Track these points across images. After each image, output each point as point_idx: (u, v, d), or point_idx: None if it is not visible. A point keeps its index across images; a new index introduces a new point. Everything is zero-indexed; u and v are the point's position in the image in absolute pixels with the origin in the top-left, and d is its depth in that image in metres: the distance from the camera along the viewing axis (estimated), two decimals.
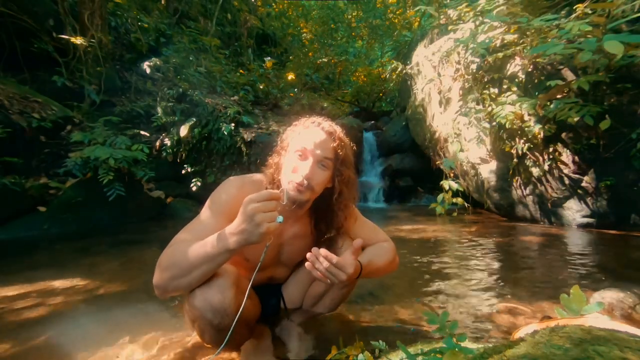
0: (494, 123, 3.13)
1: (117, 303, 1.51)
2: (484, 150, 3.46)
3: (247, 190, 1.01)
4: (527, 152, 3.05)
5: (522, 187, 3.21)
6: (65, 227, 3.26)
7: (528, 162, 3.06)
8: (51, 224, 3.19)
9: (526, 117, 2.95)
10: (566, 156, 2.84)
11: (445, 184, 3.85)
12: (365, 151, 5.90)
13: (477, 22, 3.28)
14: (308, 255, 0.87)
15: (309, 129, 1.00)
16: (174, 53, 5.67)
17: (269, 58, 6.44)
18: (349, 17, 9.40)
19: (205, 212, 0.97)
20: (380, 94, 8.71)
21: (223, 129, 4.45)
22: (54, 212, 3.25)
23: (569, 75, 2.77)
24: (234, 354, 1.01)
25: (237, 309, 0.86)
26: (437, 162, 4.34)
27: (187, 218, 0.98)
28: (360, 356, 0.87)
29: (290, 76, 6.67)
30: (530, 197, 3.17)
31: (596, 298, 1.31)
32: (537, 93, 2.89)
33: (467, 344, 0.77)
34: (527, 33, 2.86)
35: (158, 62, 5.26)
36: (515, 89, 3.08)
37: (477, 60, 3.44)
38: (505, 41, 3.05)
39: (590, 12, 2.43)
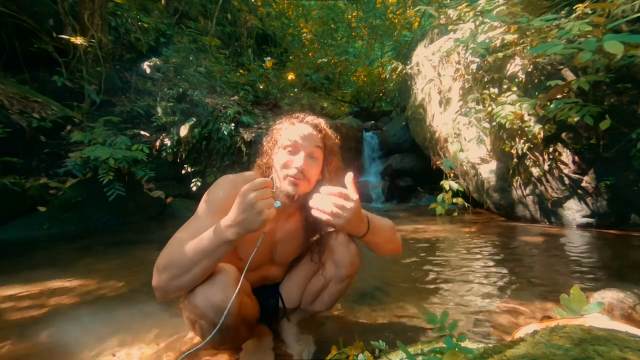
0: (494, 123, 3.13)
1: (117, 303, 1.51)
2: (484, 150, 3.46)
3: (239, 189, 1.01)
4: (527, 152, 3.05)
5: (522, 187, 3.21)
6: (65, 227, 3.26)
7: (528, 162, 3.06)
8: (51, 223, 3.19)
9: (526, 117, 2.95)
10: (566, 156, 2.84)
11: (445, 184, 3.86)
12: (365, 151, 5.90)
13: (477, 22, 3.28)
14: (310, 202, 0.87)
15: (295, 125, 1.02)
16: (174, 53, 5.68)
17: (269, 58, 6.44)
18: (349, 17, 9.40)
19: (200, 212, 0.97)
20: (380, 94, 8.71)
21: (223, 129, 4.45)
22: (54, 212, 3.25)
23: (569, 75, 2.77)
24: (234, 354, 1.01)
25: (238, 307, 0.86)
26: (437, 162, 4.34)
27: (187, 218, 0.98)
28: (360, 356, 0.87)
29: (290, 76, 6.67)
30: (530, 197, 3.17)
31: (596, 298, 1.31)
32: (537, 93, 2.89)
33: (467, 344, 0.77)
34: (527, 33, 2.86)
35: (158, 62, 5.26)
36: (515, 89, 3.08)
37: (477, 60, 3.44)
38: (505, 41, 3.05)
39: (590, 12, 2.43)
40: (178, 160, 4.58)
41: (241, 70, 6.23)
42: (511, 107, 2.91)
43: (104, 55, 4.79)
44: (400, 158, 5.48)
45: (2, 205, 3.04)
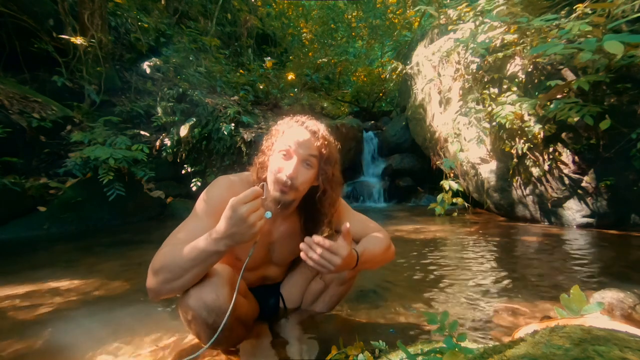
0: (494, 123, 3.13)
1: (117, 303, 1.51)
2: (484, 150, 3.46)
3: (236, 189, 1.01)
4: (527, 152, 3.05)
5: (522, 187, 3.21)
6: (65, 227, 3.26)
7: (528, 162, 3.06)
8: (51, 223, 3.20)
9: (526, 117, 2.95)
10: (566, 156, 2.84)
11: (445, 184, 3.86)
12: (365, 151, 5.90)
13: (477, 22, 3.28)
14: (301, 245, 0.85)
15: (293, 129, 1.00)
16: (174, 53, 5.68)
17: (269, 58, 6.43)
18: (349, 17, 9.40)
19: (198, 212, 0.97)
20: (380, 94, 8.71)
21: (223, 129, 4.45)
22: (54, 212, 3.25)
23: (569, 75, 2.77)
24: (232, 354, 1.01)
25: (233, 307, 0.86)
26: (437, 162, 4.34)
27: (187, 217, 0.98)
28: (360, 356, 0.87)
29: (290, 76, 6.67)
30: (530, 197, 3.17)
31: (596, 298, 1.30)
32: (537, 93, 2.89)
33: (467, 344, 0.77)
34: (527, 33, 2.86)
35: (158, 62, 5.25)
36: (515, 89, 3.08)
37: (477, 60, 3.44)
38: (505, 41, 3.05)
39: (590, 12, 2.43)
40: (178, 160, 4.58)
41: (241, 70, 6.23)
42: (511, 107, 2.91)
43: (104, 55, 4.79)
44: (400, 158, 5.48)
45: (2, 205, 3.04)
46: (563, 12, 2.66)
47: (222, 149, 4.53)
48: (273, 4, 8.93)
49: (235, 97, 5.25)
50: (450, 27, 3.85)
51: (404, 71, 5.07)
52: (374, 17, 8.92)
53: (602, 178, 2.67)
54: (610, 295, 1.29)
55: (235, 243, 0.78)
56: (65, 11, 4.53)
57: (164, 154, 4.48)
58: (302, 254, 0.86)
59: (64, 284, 1.77)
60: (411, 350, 0.82)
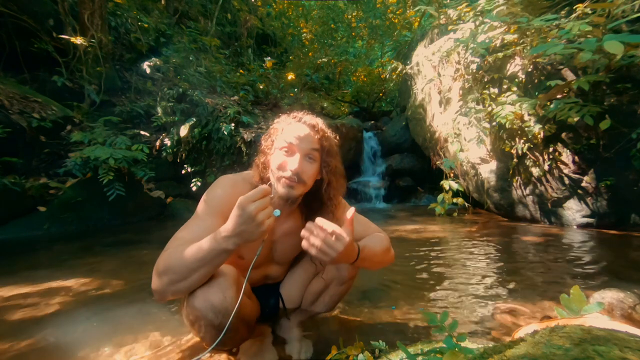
0: (494, 123, 3.13)
1: (117, 303, 1.51)
2: (484, 150, 3.46)
3: (239, 188, 1.01)
4: (527, 152, 3.05)
5: (522, 187, 3.21)
6: (65, 227, 3.26)
7: (528, 162, 3.06)
8: (51, 223, 3.19)
9: (526, 117, 2.95)
10: (566, 156, 2.84)
11: (445, 184, 3.86)
12: (365, 151, 5.90)
13: (477, 22, 3.28)
14: (303, 231, 0.82)
15: (292, 125, 1.01)
16: (174, 53, 5.67)
17: (269, 58, 6.43)
18: (349, 17, 9.39)
19: (200, 212, 0.97)
20: (380, 94, 8.71)
21: (223, 129, 4.45)
22: (54, 212, 3.25)
23: (569, 75, 2.77)
24: (233, 354, 1.01)
25: (238, 308, 0.86)
26: (437, 162, 4.34)
27: (187, 218, 0.98)
28: (360, 356, 0.88)
29: (290, 76, 6.66)
30: (530, 197, 3.17)
31: (596, 298, 1.30)
32: (537, 93, 2.89)
33: (467, 344, 0.77)
34: (527, 33, 2.86)
35: (158, 62, 5.25)
36: (515, 89, 3.08)
37: (477, 60, 3.44)
38: (505, 41, 3.05)
39: (590, 12, 2.43)
40: (178, 160, 4.57)
41: (241, 70, 6.23)
42: (511, 107, 2.91)
43: (104, 55, 4.79)
44: (400, 158, 5.48)
45: (2, 205, 3.04)
46: (563, 12, 2.66)
47: (222, 149, 4.53)
48: (273, 4, 8.93)
49: (235, 97, 5.25)
50: (450, 27, 3.84)
51: (404, 71, 5.07)
52: (374, 17, 8.91)
53: (602, 178, 2.67)
54: (610, 295, 1.29)
55: (243, 241, 0.78)
56: (65, 11, 4.53)
57: (164, 154, 4.48)
58: (303, 242, 0.82)
59: (64, 283, 1.77)
60: (411, 350, 0.82)
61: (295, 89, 6.70)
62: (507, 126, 2.97)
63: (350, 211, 0.88)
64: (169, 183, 4.57)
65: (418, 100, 4.74)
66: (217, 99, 4.92)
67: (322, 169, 1.02)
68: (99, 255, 2.44)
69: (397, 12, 8.80)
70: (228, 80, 5.65)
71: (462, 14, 3.58)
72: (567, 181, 2.87)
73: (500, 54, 3.07)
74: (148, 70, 5.23)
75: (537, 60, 2.88)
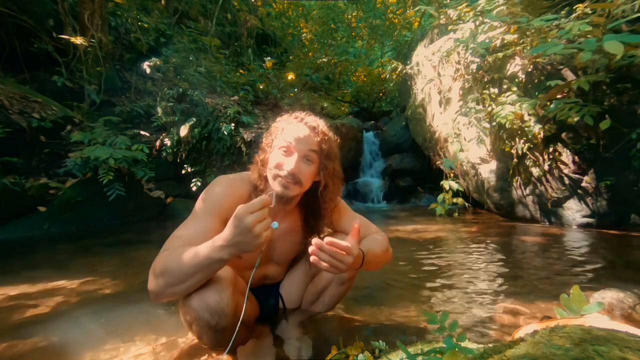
0: (494, 123, 3.13)
1: (117, 303, 1.51)
2: (484, 150, 3.46)
3: (236, 188, 1.01)
4: (527, 152, 3.05)
5: (522, 187, 3.21)
6: (65, 226, 3.26)
7: (528, 162, 3.06)
8: (51, 223, 3.19)
9: (526, 117, 2.95)
10: (566, 156, 2.84)
11: (446, 184, 3.86)
12: (365, 151, 5.90)
13: (477, 22, 3.28)
14: (310, 249, 0.83)
15: (292, 125, 1.01)
16: (174, 53, 5.67)
17: (269, 58, 6.43)
18: (349, 17, 9.39)
19: (197, 214, 0.97)
20: (380, 94, 8.71)
21: (223, 129, 4.45)
22: (54, 212, 3.25)
23: (569, 75, 2.77)
24: (232, 355, 1.01)
25: (234, 309, 0.85)
26: (437, 162, 4.34)
27: (188, 217, 0.98)
28: (360, 356, 0.87)
29: (290, 76, 6.66)
30: (530, 197, 3.17)
31: (596, 298, 1.30)
32: (537, 93, 2.89)
33: (467, 344, 0.77)
34: (527, 33, 2.86)
35: (158, 62, 5.25)
36: (515, 89, 3.08)
37: (477, 60, 3.44)
38: (505, 41, 3.05)
39: (590, 12, 2.43)
40: (178, 160, 4.58)
41: (241, 70, 6.23)
42: (511, 107, 2.91)
43: (104, 55, 4.79)
44: (400, 158, 5.48)
45: (2, 205, 3.04)
46: (563, 12, 2.66)
47: (222, 149, 4.53)
48: (273, 4, 8.93)
49: (235, 97, 5.25)
50: (450, 27, 3.85)
51: (404, 71, 5.07)
52: (374, 17, 8.91)
53: (602, 178, 2.67)
54: (610, 295, 1.29)
55: (239, 252, 0.77)
56: (65, 11, 4.53)
57: (164, 154, 4.48)
58: (312, 258, 0.84)
59: (64, 284, 1.77)
60: (411, 350, 0.82)
61: (295, 89, 6.70)
62: (507, 126, 2.97)
63: (356, 223, 0.91)
64: (169, 183, 4.57)
65: (418, 100, 4.74)
66: (217, 99, 4.92)
67: (320, 171, 1.02)
68: (99, 255, 2.44)
69: (397, 12, 8.80)
70: (228, 80, 5.65)
71: (462, 14, 3.58)
72: (567, 181, 2.87)
73: (500, 54, 3.07)
74: (148, 70, 5.23)
75: (537, 60, 2.88)
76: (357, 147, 5.68)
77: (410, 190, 5.33)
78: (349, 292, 1.27)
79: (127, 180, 3.58)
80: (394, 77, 6.13)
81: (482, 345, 0.73)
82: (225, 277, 0.86)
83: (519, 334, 0.75)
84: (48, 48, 4.44)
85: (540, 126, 2.83)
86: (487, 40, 3.09)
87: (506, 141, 3.17)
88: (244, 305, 0.83)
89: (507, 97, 3.05)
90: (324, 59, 8.01)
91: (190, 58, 5.71)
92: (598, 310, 0.77)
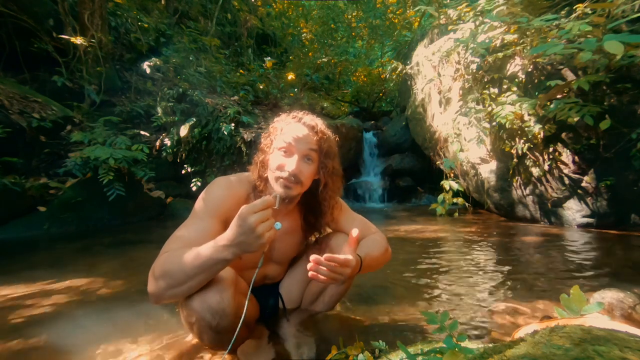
0: (494, 123, 3.13)
1: (118, 303, 1.51)
2: (484, 150, 3.46)
3: (236, 189, 1.02)
4: (527, 152, 3.05)
5: (522, 187, 3.21)
6: (65, 227, 3.26)
7: (528, 162, 3.06)
8: (51, 223, 3.19)
9: (526, 117, 2.95)
10: (566, 156, 2.84)
11: (446, 184, 3.86)
12: (365, 151, 5.90)
13: (477, 22, 3.28)
14: (309, 266, 0.86)
15: (291, 125, 1.01)
16: (174, 53, 5.67)
17: (269, 58, 6.43)
18: (349, 17, 9.39)
19: (197, 215, 0.96)
20: (380, 94, 8.71)
21: (223, 129, 4.45)
22: (54, 212, 3.24)
23: (569, 75, 2.77)
24: (234, 355, 1.01)
25: (235, 309, 0.85)
26: (437, 162, 4.34)
27: (187, 218, 0.98)
28: (360, 356, 0.87)
29: (290, 76, 6.66)
30: (530, 197, 3.17)
31: (596, 298, 1.30)
32: (537, 93, 2.89)
33: (467, 344, 0.77)
34: (527, 33, 2.86)
35: (158, 62, 5.25)
36: (515, 89, 3.08)
37: (477, 60, 3.44)
38: (505, 41, 3.05)
39: (590, 12, 2.43)
40: (178, 160, 4.57)
41: (241, 70, 6.23)
42: (511, 107, 2.91)
43: (104, 55, 4.79)
44: (400, 158, 5.48)
45: (2, 205, 3.04)
46: (563, 12, 2.66)
47: (222, 149, 4.53)
48: (273, 4, 8.93)
49: (235, 97, 5.25)
50: (450, 27, 3.85)
51: (404, 71, 5.07)
52: (374, 17, 8.91)
53: (602, 178, 2.67)
54: (610, 295, 1.29)
55: (242, 252, 0.77)
56: (65, 11, 4.53)
57: (164, 154, 4.48)
58: (311, 274, 0.86)
59: (64, 284, 1.77)
60: (411, 350, 0.82)
61: (295, 89, 6.70)
62: (507, 126, 2.97)
63: (355, 232, 0.92)
64: (169, 183, 4.57)
65: (418, 100, 4.74)
66: (217, 99, 4.92)
67: (319, 170, 1.03)
68: (99, 255, 2.44)
69: (397, 12, 8.80)
70: (228, 80, 5.65)
71: (462, 14, 3.58)
72: (567, 181, 2.87)
73: (500, 54, 3.07)
74: (148, 70, 5.23)
75: (537, 60, 2.88)
76: (357, 147, 5.68)
77: (410, 190, 5.33)
78: (349, 292, 1.27)
79: (127, 180, 3.57)
80: (394, 77, 6.13)
81: (482, 345, 0.73)
82: (226, 277, 0.86)
83: (519, 334, 0.75)
84: (48, 48, 4.43)
85: (540, 126, 2.83)
86: (487, 40, 3.09)
87: (506, 141, 3.17)
88: (245, 306, 0.83)
89: (507, 97, 3.05)
90: (324, 59, 8.01)
91: (190, 58, 5.71)
92: (598, 310, 0.77)
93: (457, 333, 0.69)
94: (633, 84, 2.50)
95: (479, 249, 2.36)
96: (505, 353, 0.56)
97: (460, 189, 3.85)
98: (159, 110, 4.79)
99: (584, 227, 2.85)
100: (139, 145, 3.66)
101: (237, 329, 0.81)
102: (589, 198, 2.79)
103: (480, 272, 1.85)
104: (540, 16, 2.57)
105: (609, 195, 2.69)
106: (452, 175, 3.98)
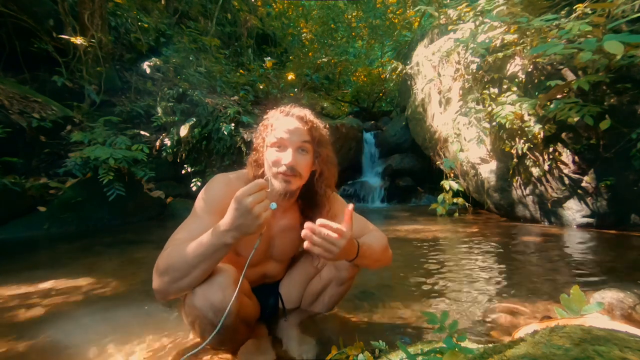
0: (494, 123, 3.13)
1: (118, 303, 1.51)
2: (484, 150, 3.46)
3: (234, 186, 1.02)
4: (527, 152, 3.05)
5: (522, 187, 3.21)
6: (65, 226, 3.26)
7: (528, 162, 3.06)
8: (51, 223, 3.19)
9: (526, 117, 2.95)
10: (566, 156, 2.84)
11: (446, 184, 3.86)
12: (365, 151, 5.90)
13: (477, 22, 3.28)
14: (303, 232, 0.82)
15: (280, 120, 1.01)
16: (174, 53, 5.67)
17: (269, 58, 6.43)
18: (349, 17, 9.39)
19: (197, 213, 0.97)
20: (380, 94, 8.71)
21: (223, 129, 4.45)
22: (54, 212, 3.24)
23: (569, 75, 2.77)
24: (234, 354, 1.01)
25: (238, 308, 0.86)
26: (437, 162, 4.34)
27: (187, 217, 0.98)
28: (360, 356, 0.87)
29: (290, 76, 6.66)
30: (530, 197, 3.17)
31: (596, 298, 1.31)
32: (537, 93, 2.89)
33: (467, 344, 0.77)
34: (527, 33, 2.86)
35: (158, 62, 5.25)
36: (515, 89, 3.08)
37: (477, 60, 3.44)
38: (505, 41, 3.05)
39: (590, 12, 2.43)
40: (178, 160, 4.57)
41: (241, 70, 6.23)
42: (511, 107, 2.91)
43: (104, 55, 4.79)
44: (400, 158, 5.48)
45: (2, 205, 3.04)
46: (563, 12, 2.67)
47: (222, 149, 4.53)
48: (273, 4, 8.93)
49: (235, 97, 5.25)
50: (450, 27, 3.85)
51: (404, 71, 5.07)
52: (374, 17, 8.91)
53: (602, 178, 2.67)
54: (610, 295, 1.29)
55: (242, 234, 0.79)
56: (65, 11, 4.53)
57: (164, 154, 4.48)
58: (305, 244, 0.83)
59: (64, 283, 1.77)
60: (411, 350, 0.82)
61: (295, 89, 6.69)
62: (507, 126, 2.97)
63: (349, 207, 0.89)
64: (169, 183, 4.57)
65: (418, 100, 4.75)
66: (217, 99, 4.92)
67: (314, 160, 1.03)
68: (99, 255, 2.44)
69: (397, 12, 8.80)
70: (228, 80, 5.65)
71: (462, 14, 3.58)
72: (567, 181, 2.87)
73: (500, 54, 3.07)
74: (148, 70, 5.23)
75: (537, 60, 2.88)
76: (357, 147, 5.68)
77: (410, 190, 5.33)
78: (349, 292, 1.27)
79: (127, 180, 3.57)
80: (394, 77, 6.13)
81: (482, 345, 0.73)
82: (228, 275, 0.87)
83: (519, 334, 0.75)
84: (48, 48, 4.44)
85: (540, 126, 2.83)
86: (487, 40, 3.09)
87: (506, 141, 3.17)
88: (235, 293, 0.82)
89: (507, 97, 3.05)
90: (324, 59, 8.01)
91: (190, 58, 5.71)
92: (598, 310, 0.77)
93: (457, 333, 0.69)
94: (633, 84, 2.50)
95: (479, 249, 2.36)
96: (505, 353, 0.56)
97: (460, 189, 3.85)
98: (159, 110, 4.79)
99: (584, 227, 2.85)
100: (139, 145, 3.66)
101: (223, 316, 0.80)
102: (589, 198, 2.79)
103: (480, 272, 1.85)
104: (540, 16, 2.57)
105: (609, 195, 2.69)
106: (452, 175, 3.98)
